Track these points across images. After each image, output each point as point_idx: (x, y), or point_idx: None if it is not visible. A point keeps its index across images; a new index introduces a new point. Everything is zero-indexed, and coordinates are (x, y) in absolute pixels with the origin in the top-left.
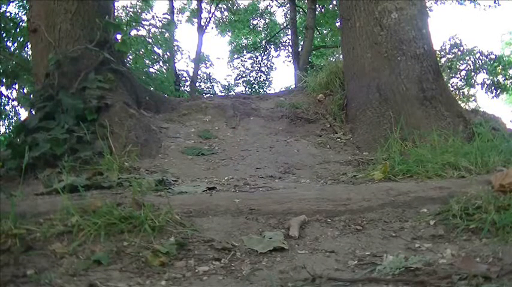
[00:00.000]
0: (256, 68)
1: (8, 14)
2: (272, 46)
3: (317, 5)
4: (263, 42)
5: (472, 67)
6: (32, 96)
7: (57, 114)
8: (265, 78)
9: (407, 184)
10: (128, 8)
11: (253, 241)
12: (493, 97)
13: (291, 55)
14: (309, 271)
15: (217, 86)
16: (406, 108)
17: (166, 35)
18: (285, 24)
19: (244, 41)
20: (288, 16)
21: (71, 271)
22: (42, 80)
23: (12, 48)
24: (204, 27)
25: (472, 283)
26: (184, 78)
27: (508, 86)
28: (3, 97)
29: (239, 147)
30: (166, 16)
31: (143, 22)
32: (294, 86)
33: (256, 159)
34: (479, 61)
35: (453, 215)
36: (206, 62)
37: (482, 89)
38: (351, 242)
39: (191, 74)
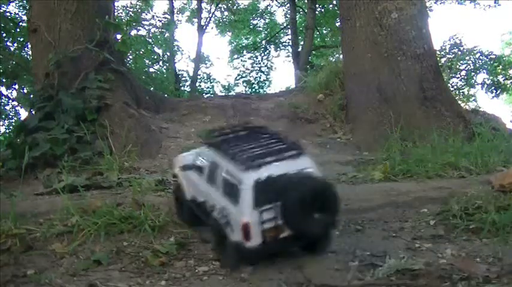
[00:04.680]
0: (256, 68)
1: (8, 14)
2: (272, 46)
3: (317, 5)
4: (263, 42)
5: (472, 67)
6: (32, 96)
7: (57, 114)
8: (265, 78)
9: (408, 184)
10: (127, 8)
11: None
12: (493, 97)
13: (291, 55)
14: (305, 276)
15: (217, 86)
16: (406, 108)
17: (166, 35)
18: (285, 24)
19: (244, 41)
20: (288, 16)
21: (71, 271)
22: (42, 80)
23: (12, 48)
24: (204, 27)
25: (472, 283)
26: (184, 78)
27: (508, 86)
28: (3, 97)
29: None
30: (166, 16)
31: (143, 22)
32: (294, 86)
33: None
34: (479, 61)
35: (453, 215)
36: (206, 62)
37: (482, 89)
38: (351, 242)
39: (191, 74)
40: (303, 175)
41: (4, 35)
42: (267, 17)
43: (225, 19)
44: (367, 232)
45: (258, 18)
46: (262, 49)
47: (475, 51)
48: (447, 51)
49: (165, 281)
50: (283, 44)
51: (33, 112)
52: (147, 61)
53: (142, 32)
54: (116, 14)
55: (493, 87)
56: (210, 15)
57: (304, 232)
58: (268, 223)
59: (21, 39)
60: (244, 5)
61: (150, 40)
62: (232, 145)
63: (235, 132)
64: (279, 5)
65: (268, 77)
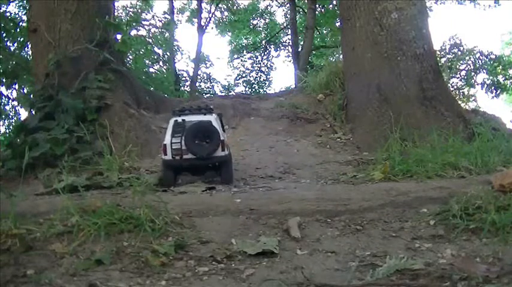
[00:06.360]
0: (256, 68)
1: (8, 14)
2: (272, 46)
3: (317, 5)
4: (263, 42)
5: (472, 67)
6: (32, 96)
7: (57, 114)
8: (265, 78)
9: (407, 184)
10: (128, 8)
11: (246, 244)
12: (493, 97)
13: (291, 55)
14: (305, 276)
15: (217, 86)
16: (406, 108)
17: (166, 35)
18: (285, 24)
19: (244, 41)
20: (288, 16)
21: (71, 271)
22: (42, 80)
23: (12, 48)
24: (204, 27)
25: (472, 283)
26: (184, 78)
27: (508, 86)
28: (3, 97)
29: (239, 147)
30: (166, 16)
31: (143, 22)
32: (294, 86)
33: (256, 159)
34: (479, 61)
35: (453, 215)
36: (206, 62)
37: (482, 89)
38: (351, 242)
39: (191, 74)
40: (201, 121)
41: (4, 35)
42: (267, 17)
43: (225, 19)
44: (367, 232)
45: (258, 18)
46: (262, 49)
47: (475, 51)
48: (447, 51)
49: (165, 281)
50: (283, 44)
51: (33, 112)
52: (147, 61)
53: (143, 32)
54: (116, 14)
55: (493, 87)
56: (210, 15)
57: (194, 152)
58: (176, 145)
59: (21, 39)
60: (244, 5)
61: (150, 40)
62: (179, 111)
63: (190, 107)
64: (279, 5)
65: (268, 77)
